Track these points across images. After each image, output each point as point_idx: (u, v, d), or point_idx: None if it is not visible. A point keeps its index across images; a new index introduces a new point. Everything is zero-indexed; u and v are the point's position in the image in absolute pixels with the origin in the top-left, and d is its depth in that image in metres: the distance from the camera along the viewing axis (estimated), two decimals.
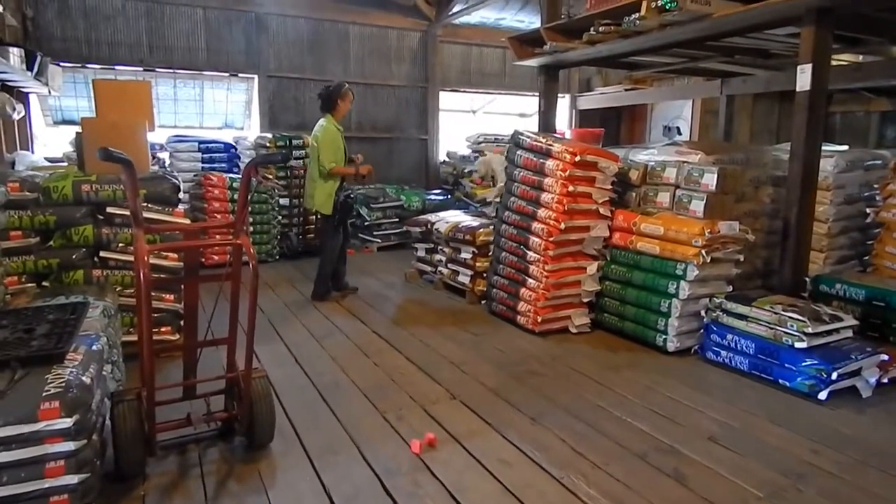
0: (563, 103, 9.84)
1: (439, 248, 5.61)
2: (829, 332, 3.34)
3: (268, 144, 7.14)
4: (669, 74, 7.65)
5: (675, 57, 5.88)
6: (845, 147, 5.39)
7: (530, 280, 4.35)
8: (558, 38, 5.08)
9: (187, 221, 3.92)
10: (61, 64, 6.64)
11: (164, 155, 6.87)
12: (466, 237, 5.17)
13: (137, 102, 4.07)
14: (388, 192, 7.88)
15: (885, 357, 3.34)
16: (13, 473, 1.93)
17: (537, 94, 6.27)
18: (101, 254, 3.60)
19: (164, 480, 2.43)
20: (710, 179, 3.93)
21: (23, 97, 6.21)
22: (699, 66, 6.27)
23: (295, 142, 7.26)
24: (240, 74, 8.00)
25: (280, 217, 6.97)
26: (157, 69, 7.44)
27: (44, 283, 3.49)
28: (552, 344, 4.13)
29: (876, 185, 4.67)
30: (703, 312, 3.83)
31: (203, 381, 2.70)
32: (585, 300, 4.36)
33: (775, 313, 3.42)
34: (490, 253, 4.92)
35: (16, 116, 5.29)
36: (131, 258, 3.44)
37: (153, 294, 3.43)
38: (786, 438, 2.80)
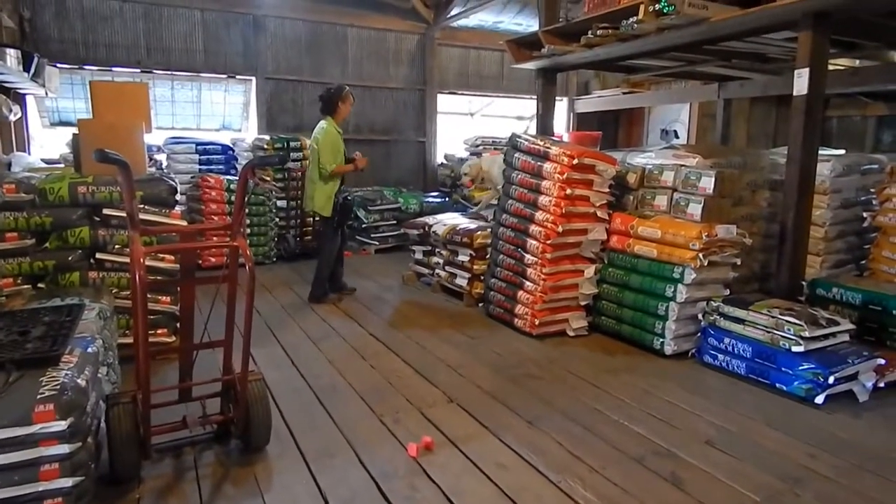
0: (561, 106, 9.90)
1: (437, 250, 5.61)
2: (825, 337, 3.35)
3: (265, 146, 7.15)
4: (667, 78, 7.67)
5: (672, 60, 5.90)
6: (842, 151, 5.39)
7: (528, 283, 4.35)
8: (556, 41, 5.09)
9: (184, 223, 3.92)
10: (58, 65, 6.63)
11: (162, 157, 6.85)
12: (464, 240, 5.18)
13: (135, 104, 4.08)
14: (386, 194, 7.89)
15: (882, 361, 3.34)
16: (7, 476, 1.91)
17: (535, 97, 6.30)
18: (98, 256, 3.58)
19: (160, 483, 2.41)
20: (708, 183, 3.94)
21: (19, 98, 6.20)
22: (696, 69, 6.30)
23: (292, 144, 7.27)
24: (237, 76, 7.99)
25: (277, 219, 6.95)
26: (155, 71, 7.43)
27: (39, 285, 3.47)
28: (549, 347, 4.13)
29: (872, 190, 4.68)
30: (700, 316, 3.83)
31: (199, 384, 2.69)
32: (583, 303, 4.36)
33: (772, 317, 3.42)
34: (487, 256, 4.92)
35: (12, 118, 5.29)
36: (127, 260, 3.44)
37: (149, 296, 3.43)
38: (783, 442, 2.80)
